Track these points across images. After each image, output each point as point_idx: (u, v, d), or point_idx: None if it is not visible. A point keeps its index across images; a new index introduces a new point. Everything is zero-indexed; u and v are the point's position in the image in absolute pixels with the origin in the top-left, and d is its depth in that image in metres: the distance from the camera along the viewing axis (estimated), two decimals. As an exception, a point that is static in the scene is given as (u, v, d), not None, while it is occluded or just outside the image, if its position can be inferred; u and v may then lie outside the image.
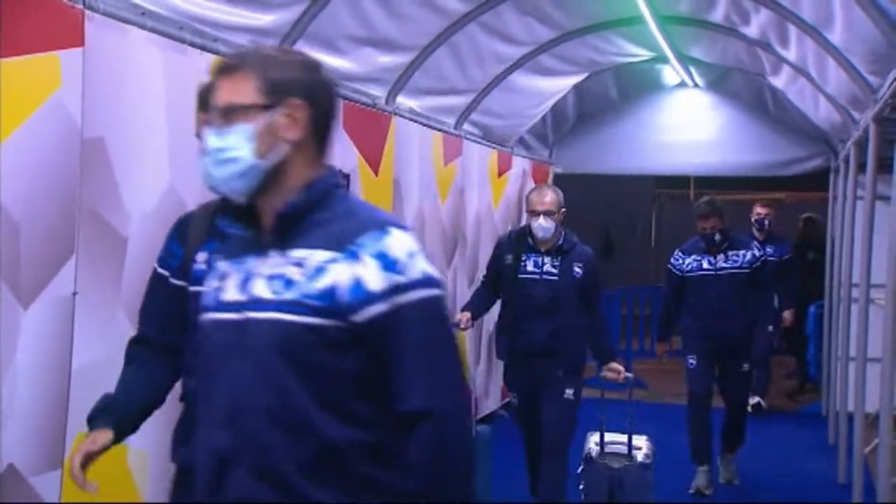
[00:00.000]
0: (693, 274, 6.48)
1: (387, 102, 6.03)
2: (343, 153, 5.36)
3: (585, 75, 8.46)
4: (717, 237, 6.36)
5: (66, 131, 3.35)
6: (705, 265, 6.43)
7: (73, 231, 3.41)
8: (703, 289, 6.41)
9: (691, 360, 6.48)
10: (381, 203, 5.90)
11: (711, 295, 6.37)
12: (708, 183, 15.15)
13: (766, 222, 8.78)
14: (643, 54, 8.33)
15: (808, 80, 6.77)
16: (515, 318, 5.25)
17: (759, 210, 8.83)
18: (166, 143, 3.89)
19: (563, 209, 5.27)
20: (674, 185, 13.67)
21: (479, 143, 7.81)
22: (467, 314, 5.38)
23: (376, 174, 5.81)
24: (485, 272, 5.69)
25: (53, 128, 3.30)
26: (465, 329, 5.35)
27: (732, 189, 14.23)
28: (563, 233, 5.29)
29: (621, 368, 5.29)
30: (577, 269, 5.20)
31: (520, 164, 8.82)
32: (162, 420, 3.96)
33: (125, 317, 3.70)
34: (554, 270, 5.20)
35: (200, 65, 4.11)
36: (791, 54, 6.43)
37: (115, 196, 3.63)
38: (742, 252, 6.43)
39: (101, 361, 3.57)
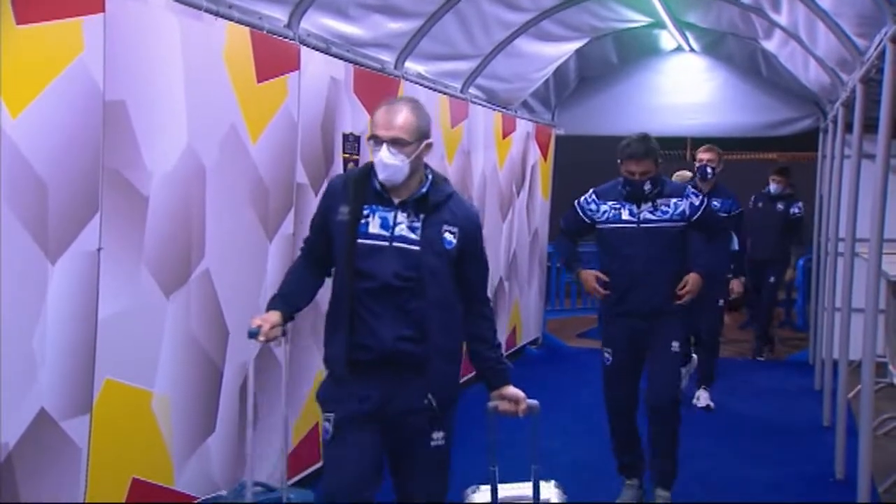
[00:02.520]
0: (608, 226, 4.88)
1: (395, 67, 5.99)
2: (354, 116, 5.34)
3: (586, 40, 8.37)
4: (647, 187, 4.80)
5: (88, 94, 3.35)
6: (625, 216, 4.83)
7: (97, 190, 3.41)
8: (621, 246, 4.82)
9: (606, 355, 4.94)
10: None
11: (631, 255, 4.79)
12: (703, 143, 15.11)
13: (710, 170, 7.10)
14: (641, 20, 8.26)
15: (798, 43, 6.70)
16: (351, 311, 3.14)
17: (701, 156, 7.18)
18: (184, 106, 3.88)
19: (429, 141, 3.20)
20: (671, 146, 13.61)
21: (485, 106, 7.77)
22: (273, 318, 3.19)
23: (386, 136, 5.78)
24: (305, 238, 3.42)
25: (77, 91, 3.30)
26: (269, 341, 3.20)
27: (726, 149, 14.12)
28: (428, 177, 3.24)
29: (521, 395, 3.32)
30: (447, 236, 3.19)
31: (523, 127, 8.77)
32: (181, 370, 4.01)
33: (147, 271, 3.72)
34: (412, 235, 3.17)
35: (215, 30, 4.09)
36: (783, 18, 6.35)
37: (137, 156, 3.63)
38: (675, 201, 4.84)
39: (125, 313, 3.60)
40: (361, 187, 3.21)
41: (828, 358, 6.76)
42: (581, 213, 4.98)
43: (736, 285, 7.03)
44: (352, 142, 5.33)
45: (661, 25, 8.39)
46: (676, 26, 8.33)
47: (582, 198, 5.01)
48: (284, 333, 3.29)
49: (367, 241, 3.17)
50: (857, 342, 5.05)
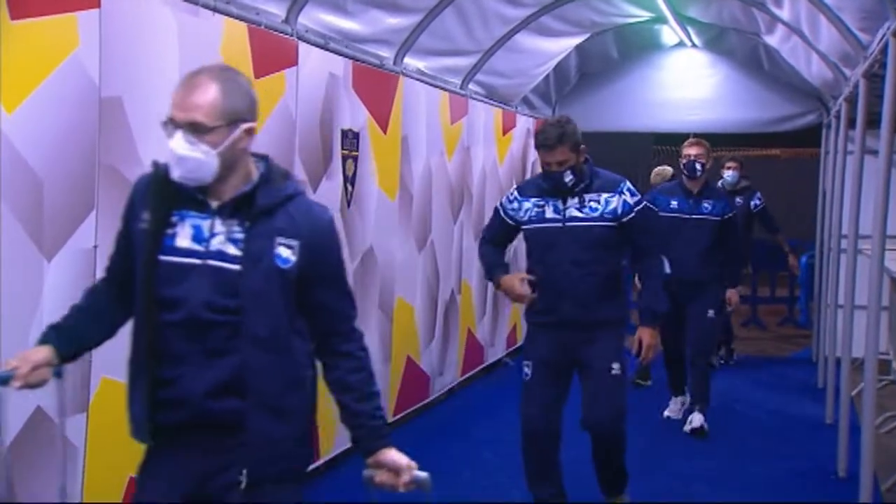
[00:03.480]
0: (532, 227, 4.38)
1: (395, 63, 5.98)
2: (353, 112, 5.34)
3: (587, 36, 8.37)
4: (568, 178, 4.22)
5: (84, 90, 3.34)
6: (549, 213, 4.32)
7: (93, 187, 3.41)
8: (546, 249, 4.31)
9: (526, 369, 4.38)
10: (389, 160, 5.89)
11: (557, 258, 4.27)
12: (705, 139, 15.06)
13: (699, 167, 6.33)
14: (643, 15, 8.26)
15: (801, 38, 6.69)
16: (152, 355, 2.36)
17: (687, 151, 6.38)
18: (181, 102, 3.87)
19: (248, 125, 2.37)
20: (672, 142, 13.59)
21: (485, 102, 7.76)
22: (36, 356, 2.39)
23: (385, 133, 5.79)
24: (110, 254, 2.58)
25: (72, 86, 3.29)
26: (31, 387, 2.41)
27: (729, 145, 14.13)
28: (261, 173, 2.43)
29: (403, 464, 2.48)
30: (282, 251, 2.39)
31: (524, 123, 8.77)
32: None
33: (144, 268, 3.71)
34: (233, 251, 2.37)
35: (212, 26, 4.08)
36: (785, 13, 6.35)
37: (133, 152, 3.62)
38: (606, 196, 4.27)
39: (122, 310, 3.58)
40: (169, 186, 2.37)
41: (830, 355, 6.76)
42: (503, 215, 4.46)
43: (733, 296, 6.56)
44: (351, 138, 5.32)
45: (663, 20, 8.39)
46: (678, 21, 8.32)
47: (504, 196, 4.55)
48: (59, 375, 2.44)
49: (172, 257, 2.35)
50: (860, 339, 5.05)
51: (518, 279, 4.35)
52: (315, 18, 4.99)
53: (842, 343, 5.59)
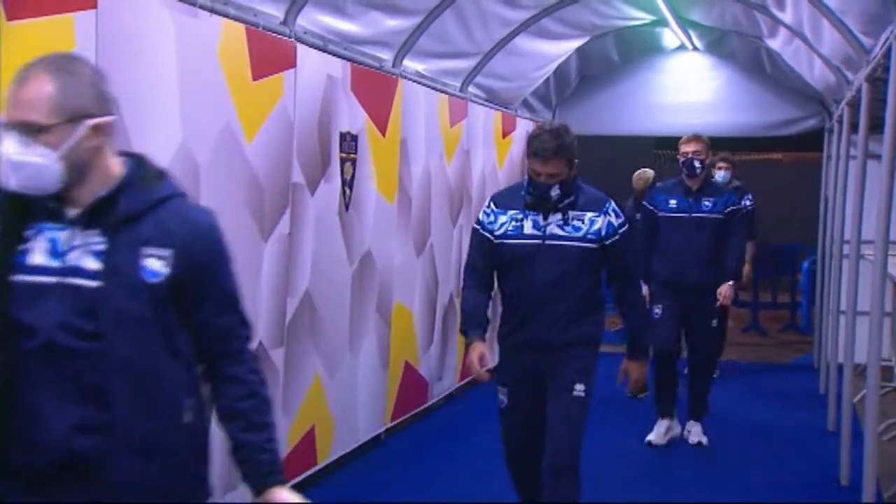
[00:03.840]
0: (507, 242, 3.95)
1: (394, 65, 5.98)
2: (351, 115, 5.33)
3: (587, 38, 8.38)
4: (555, 192, 3.87)
5: (80, 92, 3.33)
6: (528, 228, 3.93)
7: (88, 189, 3.39)
8: (521, 267, 3.93)
9: (501, 396, 4.07)
10: (388, 163, 5.89)
11: (533, 277, 3.91)
12: (706, 143, 15.05)
13: (698, 164, 6.14)
14: (644, 17, 8.26)
15: (803, 41, 6.70)
16: (7, 387, 2.06)
17: (685, 148, 6.16)
18: (177, 104, 3.87)
19: (97, 121, 2.08)
20: (673, 146, 13.50)
21: (484, 105, 7.76)
22: None
23: (384, 135, 5.78)
24: None
25: (68, 89, 3.28)
26: None
27: (730, 149, 14.09)
28: (126, 174, 2.15)
29: None
30: (151, 263, 2.11)
31: (524, 126, 8.76)
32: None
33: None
34: (93, 265, 2.09)
35: (210, 27, 4.08)
36: (787, 16, 6.35)
37: (129, 155, 3.61)
38: (591, 216, 3.93)
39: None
40: (22, 196, 2.08)
41: (833, 361, 6.75)
42: (484, 232, 4.00)
43: (725, 291, 6.12)
44: (349, 141, 5.32)
45: (664, 23, 8.40)
46: (679, 24, 8.33)
47: (480, 211, 4.12)
48: None
49: (25, 277, 2.07)
50: (862, 345, 5.05)
51: (479, 355, 3.83)
52: (314, 20, 4.98)
53: (844, 349, 5.59)
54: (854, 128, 6.10)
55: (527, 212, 3.94)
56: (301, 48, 4.78)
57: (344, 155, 5.27)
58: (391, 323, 6.03)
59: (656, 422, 6.29)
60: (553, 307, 3.91)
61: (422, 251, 6.54)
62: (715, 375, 6.83)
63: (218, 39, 4.13)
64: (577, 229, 3.92)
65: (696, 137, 6.23)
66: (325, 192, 5.07)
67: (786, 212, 13.13)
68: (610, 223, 3.95)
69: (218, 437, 2.24)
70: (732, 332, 10.55)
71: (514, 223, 3.94)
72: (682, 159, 6.19)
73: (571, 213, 3.93)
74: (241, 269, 4.37)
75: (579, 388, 3.89)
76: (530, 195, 3.93)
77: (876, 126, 5.24)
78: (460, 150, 7.19)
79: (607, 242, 3.94)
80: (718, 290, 6.13)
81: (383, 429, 6.02)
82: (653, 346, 5.90)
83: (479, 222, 4.05)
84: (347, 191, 5.34)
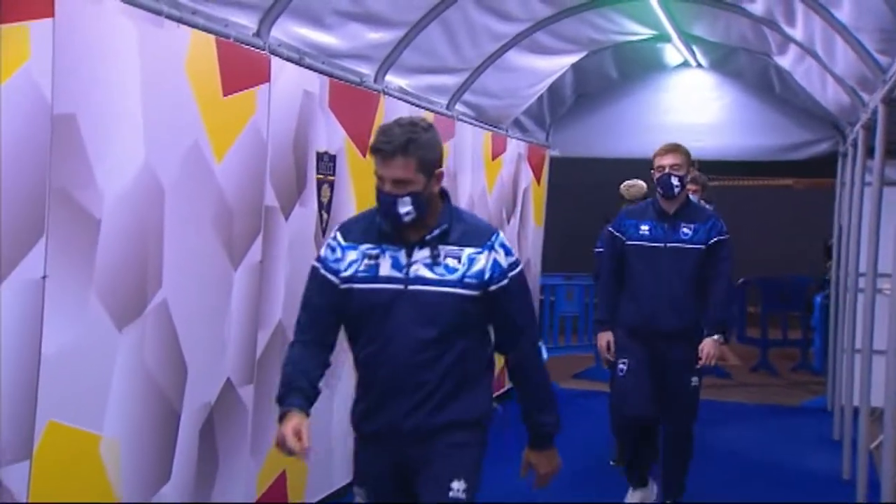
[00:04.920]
0: (358, 286, 3.24)
1: (375, 81, 6.00)
2: (329, 133, 5.34)
3: (584, 54, 8.42)
4: (406, 209, 3.14)
5: (35, 107, 3.33)
6: (384, 269, 3.22)
7: (42, 212, 3.39)
8: (376, 322, 3.23)
9: (358, 500, 3.43)
10: (368, 185, 5.87)
11: (390, 337, 3.22)
12: (711, 168, 15.03)
13: (677, 181, 5.41)
14: (644, 32, 8.32)
15: (815, 59, 6.76)
16: None
17: (661, 161, 5.45)
18: (141, 120, 3.87)
19: None
20: (676, 170, 13.69)
21: (473, 124, 7.79)
22: None
23: (364, 156, 5.78)
24: None
25: (22, 103, 3.28)
26: None
27: (737, 175, 14.22)
28: None
29: None
30: None
31: (515, 147, 8.80)
32: (134, 411, 3.97)
33: (97, 301, 3.70)
34: None
35: (177, 38, 4.09)
36: (798, 33, 6.41)
37: (88, 175, 3.61)
38: (471, 253, 3.22)
39: (71, 347, 3.56)
40: None
41: (847, 404, 6.77)
42: (325, 272, 3.31)
43: (708, 348, 5.33)
44: (327, 161, 5.32)
45: (666, 38, 8.46)
46: (682, 39, 8.40)
47: (324, 244, 3.40)
48: None
49: None
50: (879, 387, 5.05)
51: (292, 432, 3.06)
52: (289, 32, 5.00)
53: (859, 391, 5.60)
54: (870, 152, 6.15)
55: (384, 246, 3.23)
56: (276, 61, 4.79)
57: (321, 176, 5.28)
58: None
59: (628, 491, 5.75)
60: (419, 379, 3.18)
61: (404, 281, 6.52)
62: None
63: (186, 52, 4.14)
64: (452, 270, 3.19)
65: (674, 148, 5.50)
66: (300, 217, 5.07)
67: (797, 242, 13.19)
68: (496, 262, 3.21)
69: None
70: (740, 372, 10.61)
71: (367, 261, 3.24)
72: (656, 175, 5.46)
73: (444, 250, 3.20)
74: (209, 298, 4.39)
75: (457, 488, 3.19)
76: (380, 223, 3.24)
77: (893, 151, 5.30)
78: (446, 172, 7.18)
79: (492, 288, 3.22)
80: (700, 347, 5.34)
81: (360, 475, 5.98)
82: (621, 414, 5.55)
83: (320, 259, 3.35)
84: (324, 215, 5.34)
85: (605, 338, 5.64)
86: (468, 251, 3.22)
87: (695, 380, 5.49)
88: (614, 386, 5.60)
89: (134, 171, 3.85)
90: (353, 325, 3.30)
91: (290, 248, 4.98)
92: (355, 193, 5.69)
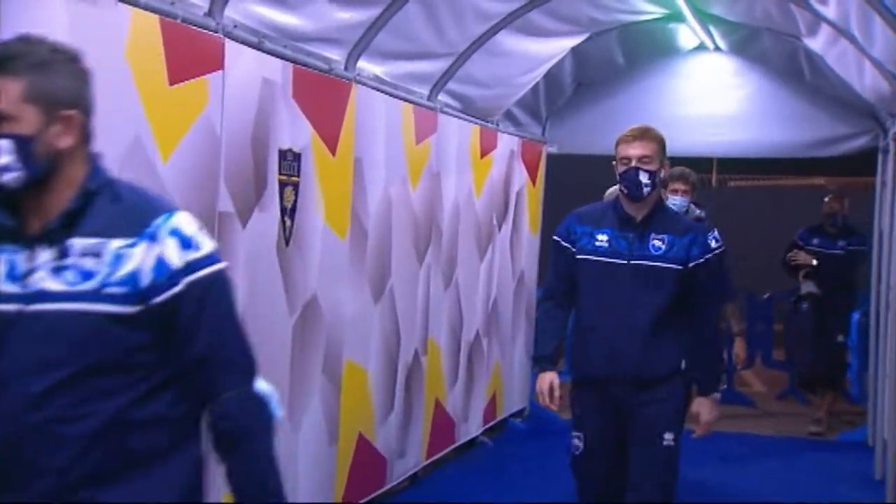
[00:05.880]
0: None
1: (346, 68, 6.00)
2: (293, 128, 5.33)
3: (586, 36, 8.45)
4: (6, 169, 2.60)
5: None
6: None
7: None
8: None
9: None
10: (338, 188, 5.89)
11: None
12: (733, 166, 15.11)
13: (647, 178, 4.72)
14: (654, 11, 8.35)
15: (850, 41, 6.78)
16: None
17: (629, 151, 4.79)
18: (75, 114, 3.85)
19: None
20: (693, 169, 13.71)
21: (458, 117, 7.79)
22: None
23: (333, 154, 5.78)
24: None
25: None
26: None
27: (762, 173, 14.29)
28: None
29: None
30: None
31: (507, 143, 8.80)
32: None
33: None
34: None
35: (115, 18, 4.06)
36: (830, 10, 6.44)
37: (12, 177, 3.58)
38: (112, 246, 2.51)
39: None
40: None
41: (890, 438, 6.78)
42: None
43: (703, 410, 4.88)
44: (290, 160, 5.31)
45: (680, 18, 8.48)
46: (698, 19, 8.42)
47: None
48: None
49: None
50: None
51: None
52: (246, 11, 4.99)
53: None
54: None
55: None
56: (230, 45, 4.78)
57: (284, 177, 5.26)
58: (341, 386, 5.99)
59: None
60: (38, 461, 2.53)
61: (380, 297, 6.52)
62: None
63: (125, 34, 4.12)
64: (88, 275, 2.45)
65: (643, 132, 4.82)
66: (259, 224, 5.05)
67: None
68: (162, 261, 2.46)
69: None
70: (766, 400, 10.61)
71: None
72: (620, 169, 4.80)
73: (75, 244, 2.46)
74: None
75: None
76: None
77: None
78: (428, 172, 7.20)
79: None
80: (693, 410, 4.91)
81: (330, 521, 5.97)
82: (585, 501, 4.84)
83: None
84: (288, 221, 5.32)
85: (547, 379, 4.83)
86: (114, 244, 2.44)
87: (669, 437, 4.71)
88: (572, 464, 4.92)
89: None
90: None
91: (248, 261, 4.96)
92: (323, 196, 5.68)
